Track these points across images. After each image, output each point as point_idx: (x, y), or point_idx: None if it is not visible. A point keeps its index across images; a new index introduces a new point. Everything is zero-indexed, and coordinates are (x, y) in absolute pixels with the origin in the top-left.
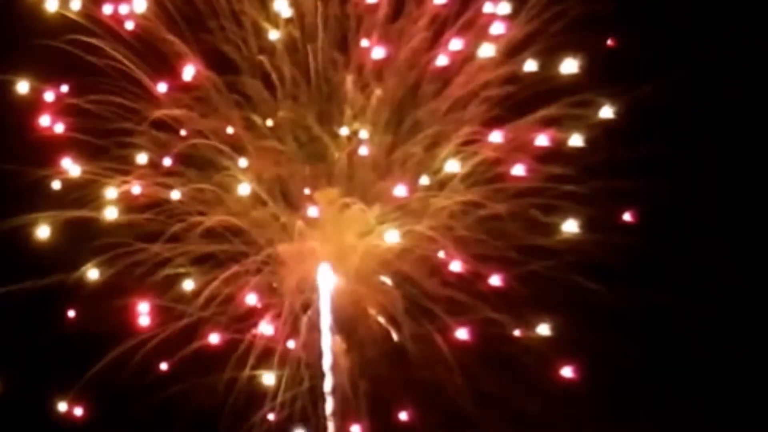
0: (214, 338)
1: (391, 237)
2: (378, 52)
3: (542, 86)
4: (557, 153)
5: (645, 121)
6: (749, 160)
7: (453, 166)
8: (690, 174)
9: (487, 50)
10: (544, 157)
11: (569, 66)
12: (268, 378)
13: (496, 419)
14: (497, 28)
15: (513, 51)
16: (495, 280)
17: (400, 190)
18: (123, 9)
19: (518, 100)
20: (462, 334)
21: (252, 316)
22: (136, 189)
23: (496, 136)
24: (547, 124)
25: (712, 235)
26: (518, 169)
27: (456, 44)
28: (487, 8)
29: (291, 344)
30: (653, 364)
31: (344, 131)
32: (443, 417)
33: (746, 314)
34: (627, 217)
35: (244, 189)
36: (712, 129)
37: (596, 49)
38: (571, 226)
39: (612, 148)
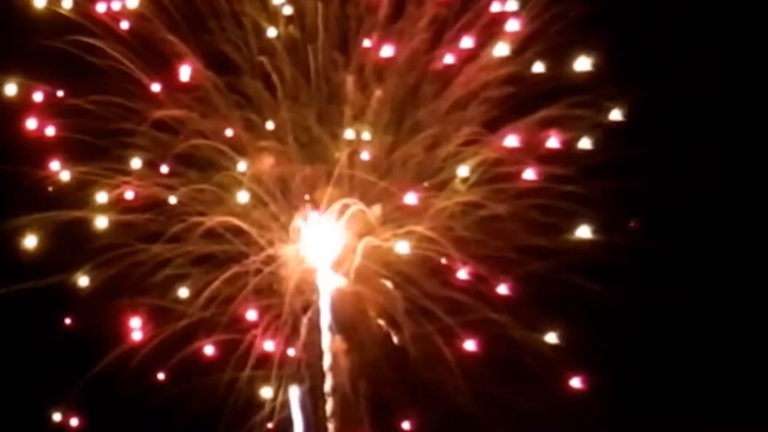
0: (210, 349)
1: (402, 248)
2: (387, 51)
3: (543, 87)
4: (559, 154)
5: (647, 121)
6: (751, 159)
7: (464, 171)
8: (692, 174)
9: (501, 49)
10: (546, 157)
11: (582, 64)
12: (266, 392)
13: (497, 420)
14: (512, 25)
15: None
16: (503, 289)
17: (411, 198)
18: (115, 5)
19: (518, 101)
20: (470, 345)
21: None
22: (129, 194)
23: (511, 140)
24: (548, 125)
25: (717, 236)
26: (529, 174)
27: (467, 42)
28: (495, 7)
29: (291, 351)
30: (658, 366)
31: (350, 134)
32: (444, 418)
33: (751, 316)
34: (632, 223)
35: (243, 197)
36: (713, 129)
37: (598, 50)
38: (584, 232)
39: (615, 149)
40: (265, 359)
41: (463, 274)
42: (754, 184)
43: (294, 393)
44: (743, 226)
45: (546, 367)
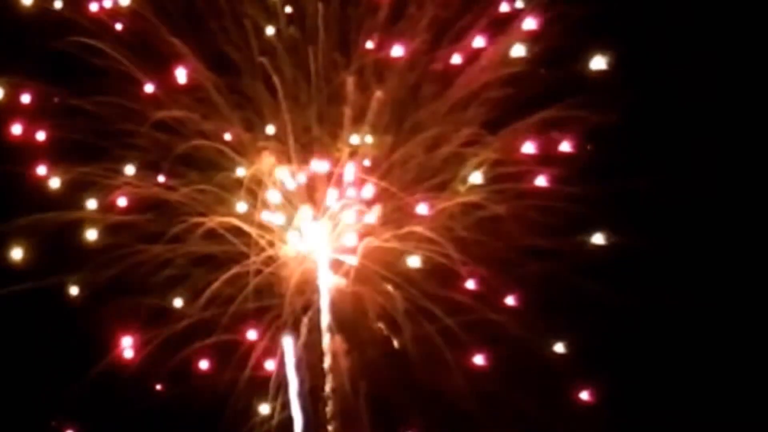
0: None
1: (413, 262)
2: (397, 50)
3: (543, 88)
4: (559, 155)
5: (647, 122)
6: (751, 159)
7: (477, 178)
8: (692, 174)
9: (518, 50)
10: (547, 159)
11: (598, 63)
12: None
13: (498, 421)
14: (529, 24)
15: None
16: (510, 300)
17: (422, 209)
18: (107, 3)
19: (519, 102)
20: (479, 359)
21: (252, 318)
22: (129, 196)
23: (528, 147)
24: (548, 126)
25: (719, 236)
26: (540, 180)
27: (479, 41)
28: (501, 7)
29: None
30: (660, 365)
31: (354, 140)
32: (444, 418)
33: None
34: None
35: (242, 206)
36: (714, 129)
37: (599, 51)
38: (598, 239)
39: (615, 150)
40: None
41: (470, 284)
42: (755, 184)
43: (287, 343)
44: (745, 226)
45: (548, 368)
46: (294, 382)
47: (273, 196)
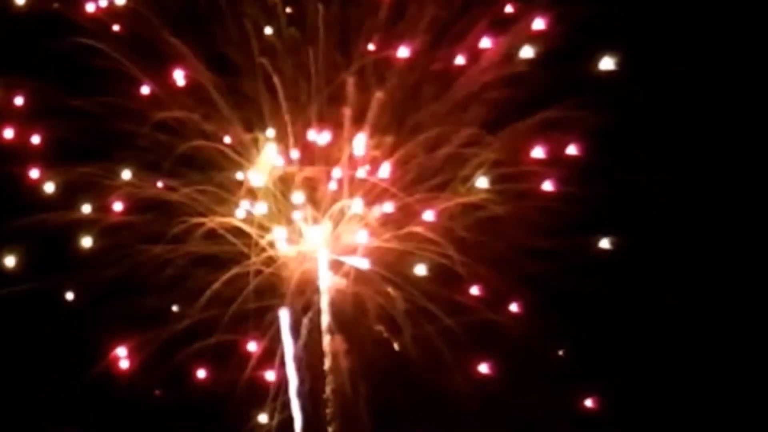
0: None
1: (420, 270)
2: (403, 52)
3: (543, 88)
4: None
5: (647, 122)
6: (751, 159)
7: (482, 182)
8: (693, 175)
9: (527, 51)
10: (548, 161)
11: (606, 63)
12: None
13: (498, 420)
14: (530, 24)
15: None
16: (513, 307)
17: (429, 215)
18: (103, 2)
19: (519, 103)
20: (483, 368)
21: (252, 319)
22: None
23: (538, 152)
24: (548, 127)
25: (723, 237)
26: (547, 185)
27: (480, 42)
28: (504, 7)
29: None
30: (662, 366)
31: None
32: (445, 419)
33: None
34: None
35: (240, 212)
36: (714, 130)
37: (599, 51)
38: (604, 243)
39: (614, 150)
40: (265, 360)
41: (474, 290)
42: (756, 185)
43: (284, 317)
44: (746, 227)
45: (551, 370)
46: (293, 378)
47: (257, 179)
